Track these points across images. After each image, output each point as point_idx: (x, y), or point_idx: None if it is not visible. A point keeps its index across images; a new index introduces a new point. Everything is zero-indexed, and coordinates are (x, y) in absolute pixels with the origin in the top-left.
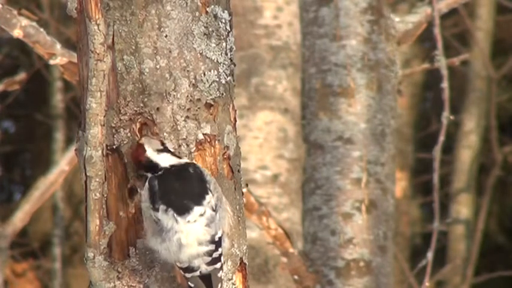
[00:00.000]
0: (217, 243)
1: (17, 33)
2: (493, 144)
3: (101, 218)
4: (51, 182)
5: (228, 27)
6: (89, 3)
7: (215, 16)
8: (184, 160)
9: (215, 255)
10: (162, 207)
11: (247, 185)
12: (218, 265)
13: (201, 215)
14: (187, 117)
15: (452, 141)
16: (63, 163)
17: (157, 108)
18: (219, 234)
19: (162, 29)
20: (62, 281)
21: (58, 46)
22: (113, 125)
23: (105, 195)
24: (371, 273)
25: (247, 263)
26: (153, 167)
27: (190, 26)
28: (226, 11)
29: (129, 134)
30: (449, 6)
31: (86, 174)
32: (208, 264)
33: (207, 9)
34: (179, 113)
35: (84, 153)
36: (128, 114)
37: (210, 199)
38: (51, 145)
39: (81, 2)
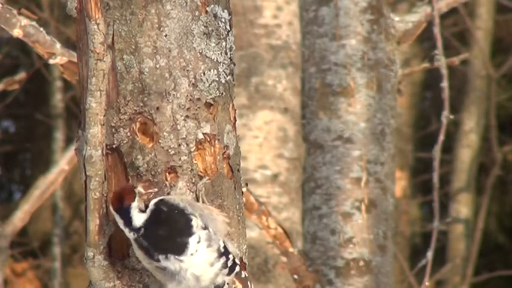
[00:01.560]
0: (225, 252)
1: (17, 32)
2: (492, 144)
3: (101, 218)
4: (51, 182)
5: (227, 27)
6: (88, 3)
7: (215, 15)
8: (152, 202)
9: (229, 263)
10: (161, 256)
11: (247, 184)
12: (237, 268)
13: (198, 242)
14: (187, 116)
15: (452, 140)
16: (63, 162)
17: (157, 108)
18: (221, 245)
19: (161, 28)
20: (61, 281)
21: (58, 45)
22: (113, 125)
23: (104, 195)
24: (371, 272)
25: (247, 263)
26: (128, 222)
27: (190, 26)
28: (226, 11)
29: (128, 134)
30: (449, 6)
31: (85, 173)
32: (229, 274)
33: (207, 8)
34: (179, 113)
35: (84, 153)
36: (128, 113)
37: (196, 222)
38: (51, 145)
39: (81, 1)
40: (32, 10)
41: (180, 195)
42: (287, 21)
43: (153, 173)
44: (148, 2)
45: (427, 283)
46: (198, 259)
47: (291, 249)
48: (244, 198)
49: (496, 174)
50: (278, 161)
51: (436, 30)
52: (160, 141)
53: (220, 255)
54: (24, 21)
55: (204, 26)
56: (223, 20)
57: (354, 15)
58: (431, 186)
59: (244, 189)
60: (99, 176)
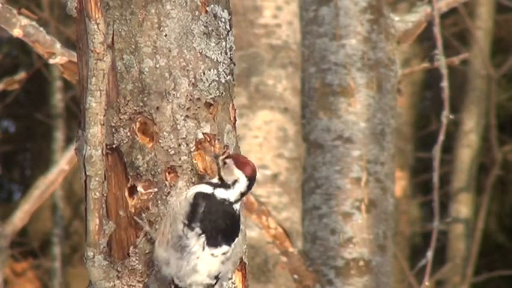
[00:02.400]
0: (217, 280)
1: (17, 32)
2: (492, 144)
3: (101, 218)
4: (50, 182)
5: (227, 27)
6: (88, 3)
7: (215, 15)
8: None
9: (215, 282)
10: (197, 230)
11: None
12: None
13: (224, 253)
14: (186, 116)
15: (452, 140)
16: (63, 162)
17: (157, 108)
18: (222, 273)
19: (161, 28)
20: (61, 280)
21: (58, 45)
22: (113, 124)
23: (104, 195)
24: (371, 272)
25: (246, 262)
26: (227, 185)
27: (190, 25)
28: (225, 10)
29: (128, 134)
30: (449, 6)
31: (85, 173)
32: None
33: (207, 8)
34: (179, 112)
35: (84, 153)
36: (128, 113)
37: (235, 243)
38: (51, 144)
39: (81, 1)
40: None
41: None
42: (287, 21)
43: (153, 172)
44: (148, 2)
45: (427, 283)
46: (210, 262)
47: (291, 249)
48: (244, 198)
49: (496, 174)
50: (278, 161)
51: (436, 30)
52: (160, 141)
53: (216, 278)
54: (24, 21)
55: (204, 26)
56: (223, 19)
57: (353, 15)
58: (431, 186)
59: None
60: (99, 175)
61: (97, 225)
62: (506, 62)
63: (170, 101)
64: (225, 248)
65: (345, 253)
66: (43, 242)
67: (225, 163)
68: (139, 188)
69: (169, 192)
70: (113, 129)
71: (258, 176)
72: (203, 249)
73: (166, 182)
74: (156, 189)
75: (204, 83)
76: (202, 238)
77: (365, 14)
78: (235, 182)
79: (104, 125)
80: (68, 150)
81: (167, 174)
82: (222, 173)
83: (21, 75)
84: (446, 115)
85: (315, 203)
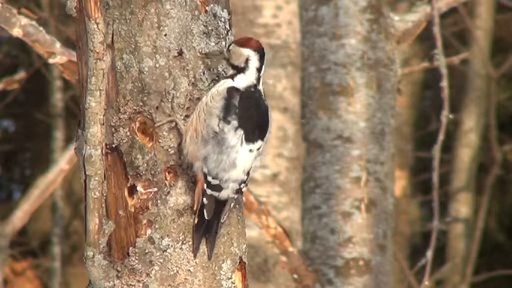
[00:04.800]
0: (248, 176)
1: (17, 32)
2: (492, 143)
3: (100, 217)
4: (50, 181)
5: (227, 26)
6: (88, 2)
7: (214, 15)
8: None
9: (243, 186)
10: (234, 123)
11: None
12: (236, 196)
13: (258, 149)
14: (186, 116)
15: (452, 140)
16: (63, 162)
17: (157, 107)
18: (252, 168)
19: (161, 28)
20: (61, 280)
21: (57, 45)
22: (112, 124)
23: (104, 194)
24: (370, 272)
25: (246, 262)
26: (241, 69)
27: (190, 25)
28: (225, 10)
29: (128, 133)
30: (448, 5)
31: (85, 173)
32: (235, 192)
33: (207, 8)
34: (178, 112)
35: (84, 152)
36: (128, 113)
37: (267, 137)
38: (51, 144)
39: (81, 1)
40: (32, 9)
41: None
42: (287, 21)
43: (152, 172)
44: (147, 2)
45: (426, 282)
46: (247, 158)
47: (290, 249)
48: (243, 198)
49: (496, 173)
50: (278, 161)
51: (436, 29)
52: (159, 140)
53: (247, 174)
54: (24, 20)
55: (204, 26)
56: (222, 19)
57: (353, 14)
58: (431, 186)
59: (244, 189)
60: (99, 175)
61: (97, 225)
62: (506, 62)
63: (170, 100)
64: (259, 143)
65: (344, 253)
66: (43, 241)
67: (229, 51)
68: (139, 188)
69: (169, 192)
70: (113, 129)
71: (258, 175)
72: (241, 144)
73: (166, 182)
74: (155, 189)
75: (204, 82)
76: (240, 132)
77: (365, 14)
78: (247, 61)
79: (103, 124)
80: (67, 150)
81: (167, 173)
82: (233, 61)
83: (21, 74)
84: (446, 115)
85: (315, 203)
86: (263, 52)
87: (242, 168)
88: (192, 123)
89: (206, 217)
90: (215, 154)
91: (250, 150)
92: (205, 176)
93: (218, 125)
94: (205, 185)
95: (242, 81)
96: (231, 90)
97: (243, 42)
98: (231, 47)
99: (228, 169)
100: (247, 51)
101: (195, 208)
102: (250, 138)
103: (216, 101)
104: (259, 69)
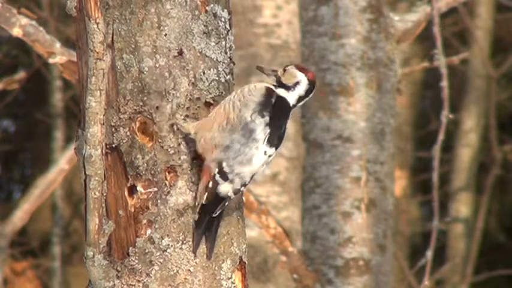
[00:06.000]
0: (251, 179)
1: (17, 32)
2: (492, 143)
3: (100, 217)
4: (50, 181)
5: (227, 26)
6: (88, 2)
7: (214, 15)
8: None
9: (243, 188)
10: (266, 119)
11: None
12: (233, 196)
13: (270, 156)
14: (186, 116)
15: (452, 139)
16: (63, 162)
17: (157, 107)
18: (257, 173)
19: (161, 27)
20: (61, 280)
21: (57, 45)
22: (113, 124)
23: (104, 194)
24: (370, 272)
25: (246, 262)
26: (287, 87)
27: (190, 25)
28: (225, 10)
29: (128, 133)
30: (448, 5)
31: (85, 173)
32: (235, 191)
33: (207, 7)
34: (178, 112)
35: (84, 152)
36: (128, 113)
37: (279, 149)
38: (51, 144)
39: (81, 0)
40: (32, 9)
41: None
42: (287, 21)
43: (152, 172)
44: (148, 1)
45: (426, 282)
46: (260, 160)
47: (290, 249)
48: (243, 198)
49: (496, 173)
50: (277, 160)
51: (436, 29)
52: (159, 140)
53: (250, 178)
54: (24, 20)
55: (204, 25)
56: (223, 19)
57: (353, 14)
58: (431, 186)
59: (243, 189)
60: (99, 175)
61: (97, 225)
62: (506, 62)
63: (170, 100)
64: (273, 150)
65: (344, 253)
66: (43, 241)
67: (285, 70)
68: (139, 188)
69: (169, 192)
70: (113, 129)
71: (264, 172)
72: (263, 142)
73: (166, 182)
74: (155, 189)
75: (204, 82)
76: (267, 130)
77: (365, 14)
78: (296, 83)
79: (103, 124)
80: (67, 150)
81: (167, 173)
82: (283, 79)
83: (21, 74)
84: (446, 114)
85: (315, 203)
86: (314, 86)
87: (253, 168)
88: (223, 111)
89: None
90: (239, 144)
91: (265, 153)
92: (219, 163)
93: (251, 116)
94: (216, 170)
95: (281, 92)
96: (271, 90)
97: (302, 68)
98: (288, 67)
99: (244, 163)
100: (301, 76)
101: (196, 203)
102: (271, 141)
103: (255, 95)
104: (301, 98)
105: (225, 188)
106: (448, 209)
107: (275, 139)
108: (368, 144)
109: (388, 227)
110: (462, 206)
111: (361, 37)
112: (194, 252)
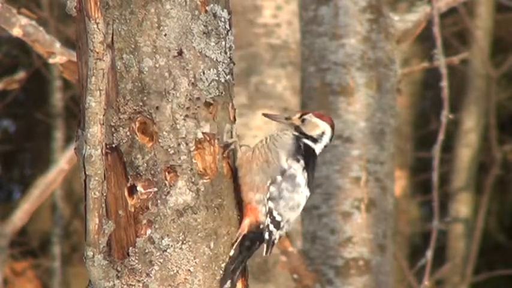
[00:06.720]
0: (285, 226)
1: (17, 32)
2: (492, 143)
3: (100, 217)
4: (50, 181)
5: (227, 26)
6: (88, 2)
7: (214, 15)
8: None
9: (280, 232)
10: (302, 163)
11: None
12: (273, 239)
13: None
14: (186, 116)
15: (452, 139)
16: (63, 162)
17: (157, 107)
18: (292, 221)
19: (161, 27)
20: (61, 280)
21: (57, 45)
22: (112, 124)
23: (104, 194)
24: (370, 272)
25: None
26: (314, 139)
27: (190, 25)
28: (225, 10)
29: (128, 133)
30: (448, 5)
31: (85, 173)
32: (274, 233)
33: (207, 8)
34: (178, 112)
35: (84, 152)
36: (127, 113)
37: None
38: (51, 144)
39: (81, 0)
40: (32, 9)
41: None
42: (286, 21)
43: (152, 172)
44: (147, 1)
45: (426, 282)
46: (302, 202)
47: (290, 249)
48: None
49: (496, 173)
50: None
51: (436, 29)
52: (159, 140)
53: (287, 222)
54: (24, 20)
55: (204, 26)
56: (222, 19)
57: (353, 14)
58: (431, 186)
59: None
60: (99, 175)
61: (97, 225)
62: (506, 62)
63: (170, 100)
64: (309, 194)
65: (344, 253)
66: (43, 241)
67: (303, 120)
68: (139, 188)
69: (168, 192)
70: (113, 129)
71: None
72: (305, 185)
73: (166, 182)
74: (155, 189)
75: (204, 82)
76: (305, 174)
77: (365, 14)
78: (322, 134)
79: (103, 124)
80: (67, 150)
81: (167, 173)
82: (304, 129)
83: (21, 74)
84: (445, 115)
85: (315, 203)
86: (334, 131)
87: (299, 213)
88: (258, 154)
89: (265, 253)
90: (289, 192)
91: (306, 197)
92: (270, 211)
93: (286, 161)
94: (268, 220)
95: (308, 142)
96: (297, 136)
97: (321, 116)
98: (305, 117)
99: (294, 209)
100: (324, 125)
101: (235, 239)
102: (309, 184)
103: (284, 141)
104: (325, 146)
105: (276, 236)
106: (448, 209)
107: (312, 183)
108: (368, 144)
109: (388, 227)
110: (462, 206)
111: (361, 37)
112: (221, 286)
